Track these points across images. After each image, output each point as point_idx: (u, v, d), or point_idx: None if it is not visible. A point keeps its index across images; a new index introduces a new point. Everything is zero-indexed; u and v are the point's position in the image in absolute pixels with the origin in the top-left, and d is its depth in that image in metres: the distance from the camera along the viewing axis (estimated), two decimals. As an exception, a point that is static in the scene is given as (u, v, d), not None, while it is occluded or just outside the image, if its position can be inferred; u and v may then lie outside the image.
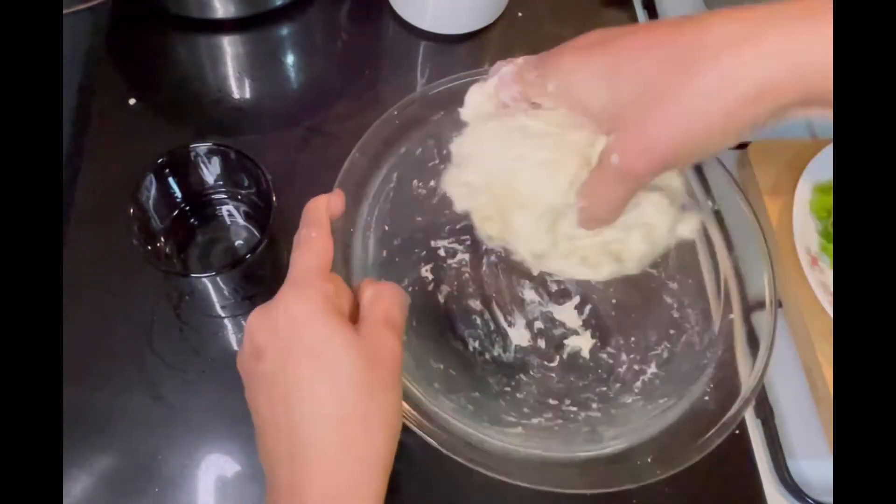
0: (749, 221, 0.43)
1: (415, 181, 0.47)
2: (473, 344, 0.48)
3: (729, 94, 0.25)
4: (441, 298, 0.50)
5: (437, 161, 0.48)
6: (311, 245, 0.33)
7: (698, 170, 0.46)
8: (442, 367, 0.45)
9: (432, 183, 0.48)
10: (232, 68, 0.60)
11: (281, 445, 0.29)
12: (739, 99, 0.25)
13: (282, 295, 0.31)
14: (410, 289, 0.49)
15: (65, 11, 0.59)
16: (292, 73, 0.61)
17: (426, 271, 0.50)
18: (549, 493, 0.36)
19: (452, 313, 0.49)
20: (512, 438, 0.39)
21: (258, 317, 0.31)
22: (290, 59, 0.62)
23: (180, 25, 0.60)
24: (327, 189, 0.42)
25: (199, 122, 0.57)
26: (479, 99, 0.35)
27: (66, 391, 0.42)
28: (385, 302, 0.33)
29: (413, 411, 0.37)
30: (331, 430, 0.28)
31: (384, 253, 0.45)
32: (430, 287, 0.50)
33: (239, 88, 0.59)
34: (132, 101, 0.57)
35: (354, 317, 0.33)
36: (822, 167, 0.53)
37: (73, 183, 0.52)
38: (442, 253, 0.51)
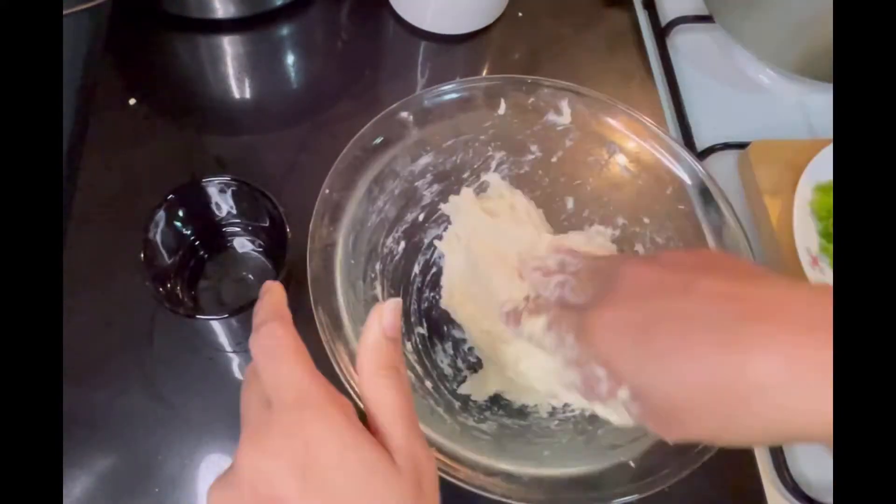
0: (749, 221, 0.44)
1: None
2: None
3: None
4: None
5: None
6: (290, 347, 0.27)
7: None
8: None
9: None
10: (232, 68, 0.60)
11: None
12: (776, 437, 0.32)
13: (293, 420, 0.25)
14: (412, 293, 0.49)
15: (65, 12, 0.59)
16: (292, 73, 0.61)
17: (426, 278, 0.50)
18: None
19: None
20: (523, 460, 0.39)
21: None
22: (290, 59, 0.62)
23: (180, 25, 0.60)
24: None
25: (199, 122, 0.57)
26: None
27: (66, 391, 0.42)
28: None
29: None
30: None
31: (378, 265, 0.45)
32: (434, 298, 0.50)
33: (239, 88, 0.59)
34: (132, 101, 0.56)
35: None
36: (822, 167, 0.53)
37: (74, 183, 0.52)
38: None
